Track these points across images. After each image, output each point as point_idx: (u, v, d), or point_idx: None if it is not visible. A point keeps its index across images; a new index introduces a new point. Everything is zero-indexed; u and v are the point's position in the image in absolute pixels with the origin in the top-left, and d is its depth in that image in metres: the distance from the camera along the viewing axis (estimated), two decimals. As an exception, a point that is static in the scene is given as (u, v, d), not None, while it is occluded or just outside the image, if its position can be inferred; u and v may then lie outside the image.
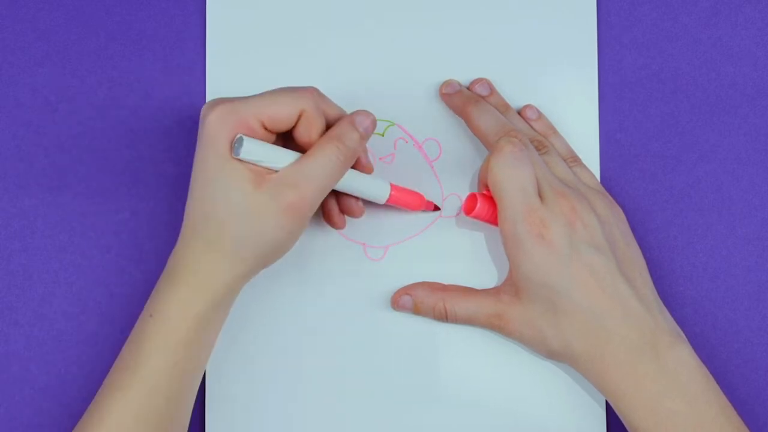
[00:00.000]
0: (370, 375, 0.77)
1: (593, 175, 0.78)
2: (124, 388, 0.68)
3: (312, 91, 0.70)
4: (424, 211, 0.77)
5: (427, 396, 0.77)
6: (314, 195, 0.68)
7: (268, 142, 0.69)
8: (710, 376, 0.71)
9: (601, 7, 0.80)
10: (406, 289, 0.77)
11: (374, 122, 0.71)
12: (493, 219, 0.75)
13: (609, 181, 0.79)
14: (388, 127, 0.79)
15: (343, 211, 0.76)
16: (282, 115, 0.69)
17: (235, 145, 0.67)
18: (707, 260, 0.79)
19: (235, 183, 0.67)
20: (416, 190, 0.77)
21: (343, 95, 0.78)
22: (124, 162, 0.79)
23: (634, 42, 0.80)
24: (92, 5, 0.80)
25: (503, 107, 0.78)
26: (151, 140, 0.79)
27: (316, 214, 0.76)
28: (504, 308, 0.74)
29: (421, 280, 0.77)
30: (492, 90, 0.78)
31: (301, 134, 0.69)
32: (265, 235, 0.68)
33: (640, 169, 0.80)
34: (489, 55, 0.79)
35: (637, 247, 0.75)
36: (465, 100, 0.77)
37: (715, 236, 0.79)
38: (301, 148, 0.70)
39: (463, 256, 0.78)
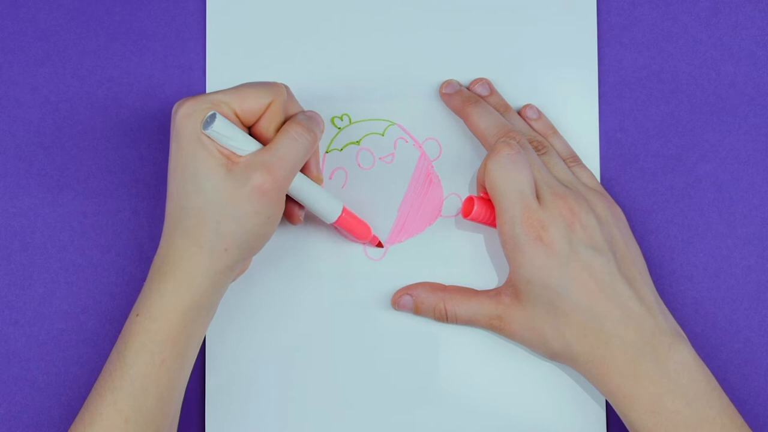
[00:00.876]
0: (370, 375, 0.77)
1: (593, 176, 0.78)
2: (114, 390, 0.68)
3: (282, 86, 0.71)
4: (367, 244, 0.77)
5: (426, 396, 0.77)
6: (283, 175, 0.69)
7: None
8: (711, 375, 0.71)
9: (601, 7, 0.80)
10: (407, 289, 0.77)
11: (323, 123, 0.73)
12: (491, 221, 0.75)
13: (609, 181, 0.79)
14: (388, 126, 0.79)
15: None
16: (252, 105, 0.69)
17: (207, 119, 0.68)
18: (707, 260, 0.79)
19: (207, 168, 0.67)
20: (415, 191, 0.77)
21: (343, 95, 0.78)
22: (124, 162, 0.79)
23: (634, 42, 0.80)
24: (92, 5, 0.80)
25: (503, 107, 0.78)
26: (152, 140, 0.79)
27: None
28: (504, 310, 0.74)
29: (421, 281, 0.77)
30: (492, 90, 0.78)
31: (262, 126, 0.70)
32: (243, 223, 0.68)
33: (640, 169, 0.79)
34: (489, 55, 0.79)
35: (637, 247, 0.75)
36: (464, 100, 0.77)
37: (715, 236, 0.79)
38: (260, 141, 0.70)
39: (463, 257, 0.78)
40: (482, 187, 0.75)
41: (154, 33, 0.80)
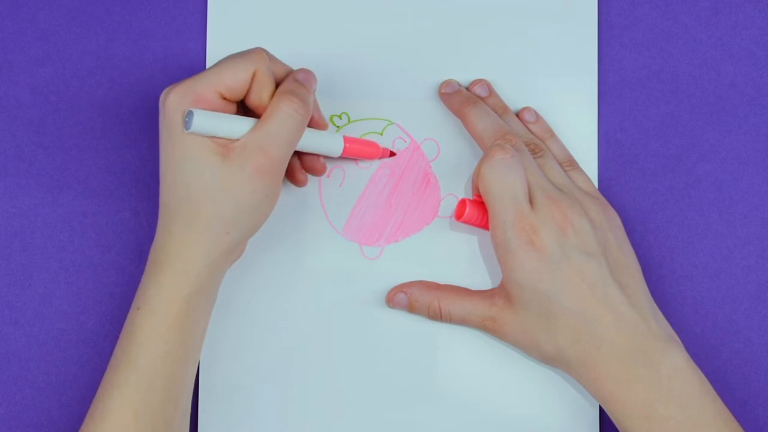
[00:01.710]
0: (367, 373, 0.77)
1: (589, 179, 0.78)
2: (121, 385, 0.68)
3: (260, 52, 0.70)
4: (381, 158, 0.77)
5: (421, 395, 0.77)
6: (281, 154, 0.69)
7: (229, 112, 0.69)
8: (705, 379, 0.70)
9: (602, 7, 0.80)
10: (402, 287, 0.76)
11: (315, 78, 0.72)
12: (483, 224, 0.75)
13: (608, 181, 0.79)
14: (387, 126, 0.79)
15: (305, 168, 0.76)
16: (237, 80, 0.69)
17: (186, 120, 0.67)
18: (707, 260, 0.79)
19: (203, 159, 0.67)
20: (413, 190, 0.77)
21: (342, 94, 0.79)
22: (124, 162, 0.79)
23: (634, 42, 0.80)
24: (92, 5, 0.80)
25: (501, 109, 0.78)
26: (152, 140, 0.79)
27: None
28: (498, 312, 0.74)
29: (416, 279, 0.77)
30: (491, 91, 0.78)
31: (253, 98, 0.70)
32: (241, 205, 0.68)
33: (640, 169, 0.79)
34: (489, 55, 0.79)
35: (632, 252, 0.75)
36: (463, 101, 0.77)
37: (715, 236, 0.79)
38: (254, 113, 0.70)
39: (459, 256, 0.78)
40: (477, 189, 0.75)
41: (154, 33, 0.80)
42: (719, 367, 0.78)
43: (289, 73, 0.72)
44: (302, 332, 0.77)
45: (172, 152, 0.68)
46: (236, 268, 0.77)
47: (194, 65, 0.79)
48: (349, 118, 0.79)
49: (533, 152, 0.76)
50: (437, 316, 0.76)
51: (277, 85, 0.71)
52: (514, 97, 0.79)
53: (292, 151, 0.70)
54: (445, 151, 0.79)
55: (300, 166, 0.76)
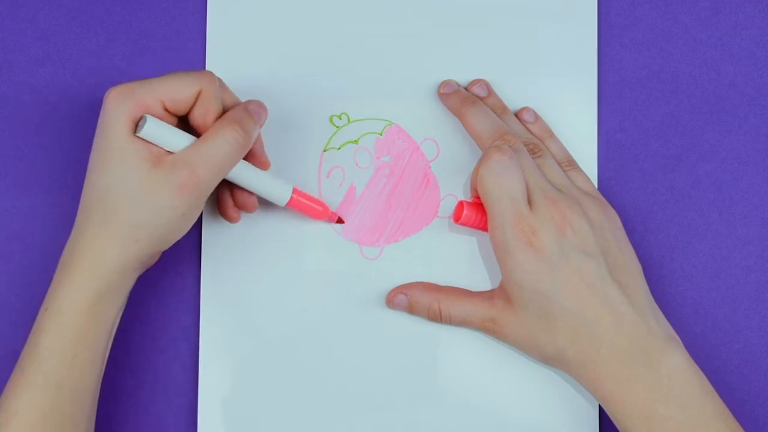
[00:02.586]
0: (366, 374, 0.77)
1: (589, 179, 0.78)
2: (28, 387, 0.67)
3: (210, 74, 0.70)
4: (327, 221, 0.77)
5: (421, 395, 0.77)
6: (209, 175, 0.68)
7: (170, 124, 0.69)
8: (705, 379, 0.70)
9: (601, 7, 0.80)
10: (402, 288, 0.76)
11: (266, 112, 0.72)
12: (482, 226, 0.75)
13: (608, 181, 0.79)
14: (387, 126, 0.79)
15: (237, 205, 0.75)
16: (180, 93, 0.69)
17: (139, 123, 0.67)
18: (707, 260, 0.79)
19: (131, 164, 0.67)
20: (412, 191, 0.77)
21: (342, 94, 0.79)
22: (124, 162, 0.79)
23: (634, 42, 0.80)
24: (92, 5, 0.80)
25: (500, 109, 0.78)
26: (151, 140, 0.79)
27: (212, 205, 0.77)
28: (498, 313, 0.74)
29: (416, 280, 0.77)
30: (490, 91, 0.78)
31: (197, 117, 0.69)
32: (159, 216, 0.68)
33: (640, 169, 0.79)
34: (488, 55, 0.79)
35: (632, 252, 0.75)
36: (462, 101, 0.77)
37: (715, 236, 0.79)
38: (197, 133, 0.70)
39: (459, 257, 0.78)
40: (475, 191, 0.75)
41: (154, 33, 0.80)
42: (719, 367, 0.78)
43: (238, 104, 0.72)
44: (302, 332, 0.77)
45: (103, 152, 0.68)
46: (236, 268, 0.77)
47: (194, 65, 0.79)
48: (349, 118, 0.79)
49: (532, 152, 0.76)
50: (437, 317, 0.76)
51: (225, 112, 0.71)
52: (513, 97, 0.79)
53: (222, 177, 0.70)
54: (445, 152, 0.79)
55: (232, 203, 0.75)
